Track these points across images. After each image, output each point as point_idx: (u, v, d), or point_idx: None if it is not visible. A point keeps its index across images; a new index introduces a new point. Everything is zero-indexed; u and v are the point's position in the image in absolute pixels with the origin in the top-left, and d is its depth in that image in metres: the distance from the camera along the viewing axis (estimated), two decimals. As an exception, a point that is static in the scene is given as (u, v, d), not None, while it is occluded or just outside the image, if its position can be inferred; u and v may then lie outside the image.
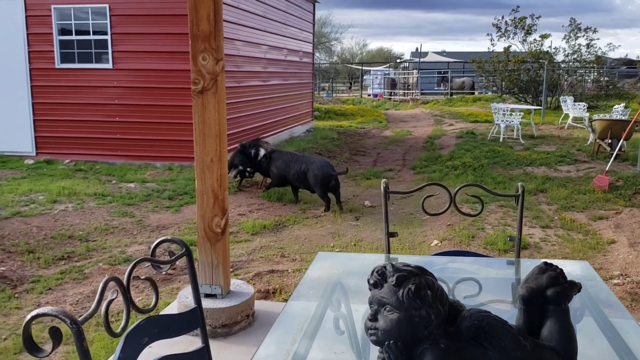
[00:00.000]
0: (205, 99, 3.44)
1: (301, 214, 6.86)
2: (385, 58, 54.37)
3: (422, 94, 34.98)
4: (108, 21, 8.70)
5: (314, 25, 16.14)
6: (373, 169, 10.12)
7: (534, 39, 21.35)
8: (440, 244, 5.63)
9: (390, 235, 2.33)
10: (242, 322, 3.61)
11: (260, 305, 3.95)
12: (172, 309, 3.80)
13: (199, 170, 3.53)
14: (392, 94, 34.50)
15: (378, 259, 2.48)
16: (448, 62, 40.55)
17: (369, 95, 35.75)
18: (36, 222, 5.95)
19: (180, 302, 3.56)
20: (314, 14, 15.96)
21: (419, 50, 41.42)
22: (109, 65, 8.84)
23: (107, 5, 8.65)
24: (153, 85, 8.82)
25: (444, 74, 38.44)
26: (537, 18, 21.17)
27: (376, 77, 39.24)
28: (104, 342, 3.60)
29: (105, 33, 8.79)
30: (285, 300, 4.29)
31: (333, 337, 1.71)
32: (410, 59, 45.80)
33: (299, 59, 14.51)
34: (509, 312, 1.86)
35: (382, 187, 2.27)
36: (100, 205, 6.66)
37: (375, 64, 46.21)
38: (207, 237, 3.60)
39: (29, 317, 1.21)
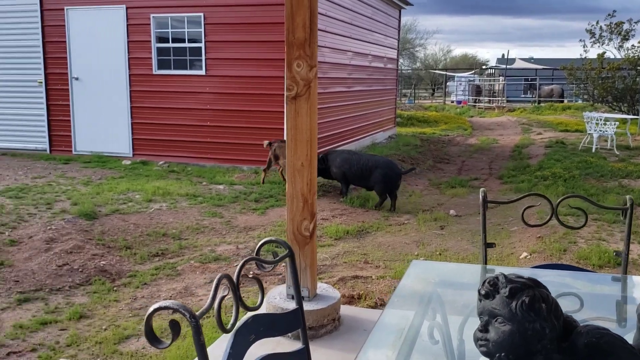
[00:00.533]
0: (298, 104, 3.51)
1: (384, 221, 6.85)
2: (470, 64, 53.19)
3: (508, 101, 33.92)
4: (202, 29, 9.07)
5: (399, 31, 16.07)
6: (458, 177, 9.93)
7: (632, 45, 20.19)
8: (529, 257, 5.45)
9: (488, 245, 2.28)
10: (328, 326, 3.64)
11: (345, 310, 3.97)
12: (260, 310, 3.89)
13: (289, 174, 3.61)
14: (477, 101, 33.69)
15: (474, 270, 2.44)
16: (536, 69, 39.15)
17: (452, 102, 35.10)
18: (133, 219, 6.28)
19: (269, 302, 3.64)
20: (399, 20, 15.89)
21: (506, 57, 40.23)
22: (202, 72, 9.20)
23: (202, 14, 9.02)
24: (242, 92, 9.10)
25: (531, 81, 37.14)
26: (635, 23, 20.01)
27: (460, 84, 38.49)
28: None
29: (199, 41, 9.15)
30: (370, 307, 4.30)
31: (430, 348, 1.70)
32: (496, 66, 44.59)
33: (383, 65, 14.49)
34: (614, 331, 1.77)
35: (480, 196, 2.23)
36: (192, 205, 6.93)
37: (459, 70, 45.33)
38: (295, 240, 3.66)
39: (151, 309, 1.29)
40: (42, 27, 9.89)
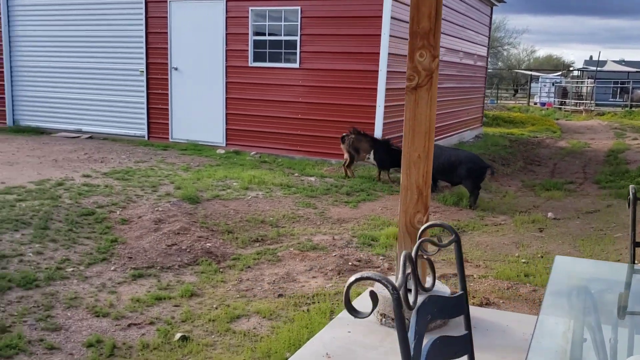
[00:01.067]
0: (419, 95, 3.49)
1: (479, 221, 6.70)
2: (554, 66, 51.12)
3: (596, 105, 32.37)
4: (299, 22, 9.19)
5: (489, 28, 15.67)
6: (552, 180, 9.58)
7: None
8: (641, 265, 5.17)
9: (637, 245, 2.19)
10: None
11: (452, 305, 3.92)
12: (363, 300, 3.90)
13: (405, 166, 3.60)
14: (563, 103, 32.38)
15: (620, 268, 2.34)
16: (628, 72, 37.12)
17: (536, 103, 33.90)
18: (233, 205, 6.47)
19: (379, 293, 3.64)
20: (490, 17, 15.50)
21: (596, 59, 38.35)
22: (296, 65, 9.33)
23: (299, 8, 9.14)
24: (335, 85, 9.15)
25: (622, 84, 35.27)
26: None
27: (545, 85, 37.16)
28: (303, 321, 3.81)
29: (294, 34, 9.29)
30: (476, 305, 4.22)
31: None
32: (584, 67, 42.59)
33: (473, 63, 14.18)
34: None
35: (630, 192, 2.14)
36: (286, 195, 7.05)
37: (544, 71, 43.68)
38: (407, 232, 3.65)
39: (352, 279, 1.32)
40: (146, 18, 10.34)
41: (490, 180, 9.15)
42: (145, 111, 10.65)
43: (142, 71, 10.54)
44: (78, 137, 10.93)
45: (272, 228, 5.96)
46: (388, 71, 8.84)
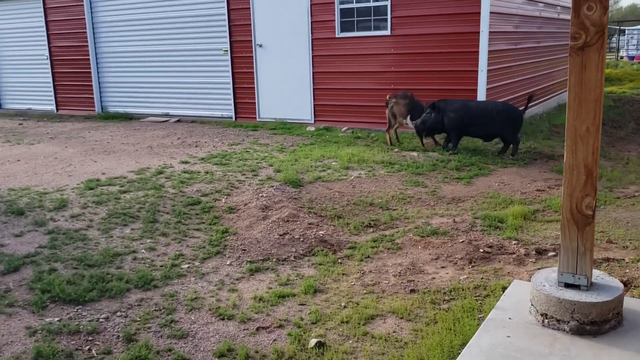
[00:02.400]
0: (586, 56, 2.92)
1: (609, 193, 6.00)
2: (638, 16, 47.35)
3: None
4: (389, -14, 8.59)
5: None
6: (676, 142, 8.60)
7: None
8: None
9: None
10: (612, 321, 3.08)
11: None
12: (513, 296, 3.41)
13: (570, 140, 3.05)
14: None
15: None
16: None
17: (622, 57, 31.49)
18: (336, 187, 6.09)
19: (538, 290, 3.14)
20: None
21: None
22: (387, 32, 8.76)
23: (388, -30, 8.54)
24: (431, 51, 8.54)
25: None
26: None
27: (632, 37, 34.53)
28: (447, 322, 3.38)
29: (384, -1, 8.71)
30: (637, 297, 3.65)
31: None
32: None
33: (569, 17, 13.01)
34: None
35: None
36: (390, 174, 6.60)
37: (628, 22, 40.50)
38: (573, 219, 3.11)
39: None
40: (227, -6, 10.04)
41: (607, 145, 8.32)
42: (231, 91, 10.42)
43: (226, 50, 10.28)
44: (166, 121, 10.88)
45: (383, 211, 5.54)
46: (490, 32, 8.12)
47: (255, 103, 10.22)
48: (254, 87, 10.15)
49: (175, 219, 5.11)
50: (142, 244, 4.60)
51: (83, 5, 11.55)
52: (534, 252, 4.46)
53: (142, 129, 9.88)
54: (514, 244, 4.64)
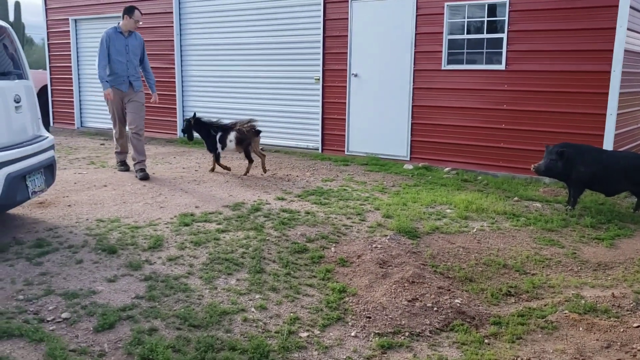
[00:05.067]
0: None
1: None
2: None
3: None
4: (506, 17, 7.85)
5: None
6: None
7: None
8: None
9: None
10: None
11: None
12: None
13: None
14: None
15: None
16: None
17: None
18: (459, 241, 5.31)
19: None
20: None
21: None
22: (501, 67, 7.99)
23: (506, 0, 7.79)
24: (550, 89, 7.70)
25: None
26: None
27: None
28: None
29: (499, 31, 7.96)
30: None
31: None
32: None
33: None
34: None
35: None
36: (516, 228, 5.77)
37: None
38: None
39: None
40: (324, 20, 9.53)
41: None
42: (320, 122, 9.85)
43: (318, 79, 9.75)
44: (249, 148, 10.38)
45: (520, 275, 4.72)
46: (623, 72, 7.22)
47: (344, 135, 9.60)
48: (344, 119, 9.55)
49: (283, 270, 4.46)
50: (251, 300, 3.95)
51: (173, 27, 11.33)
52: None
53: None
54: None
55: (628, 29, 7.16)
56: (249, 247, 4.81)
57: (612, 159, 6.24)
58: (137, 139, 7.48)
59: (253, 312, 3.79)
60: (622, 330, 3.76)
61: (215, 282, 4.17)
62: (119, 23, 7.50)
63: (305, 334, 3.57)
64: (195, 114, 8.35)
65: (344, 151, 9.65)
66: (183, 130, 8.32)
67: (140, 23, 7.57)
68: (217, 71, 11.05)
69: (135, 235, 5.02)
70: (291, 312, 3.83)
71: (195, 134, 8.03)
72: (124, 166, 7.89)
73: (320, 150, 9.94)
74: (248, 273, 4.34)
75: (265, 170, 7.87)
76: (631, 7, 7.12)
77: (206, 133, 7.90)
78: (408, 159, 9.00)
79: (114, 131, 7.83)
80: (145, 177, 7.29)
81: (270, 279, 4.28)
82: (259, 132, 7.79)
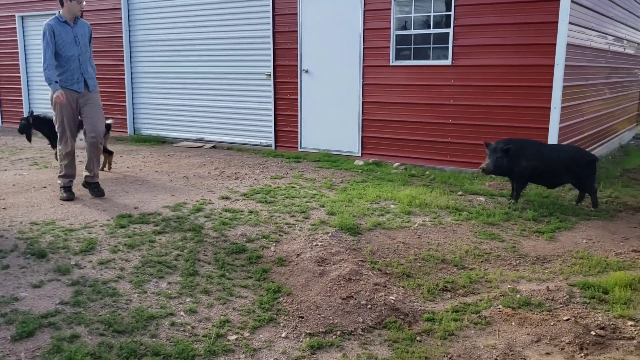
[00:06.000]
0: None
1: None
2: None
3: None
4: (452, 12, 7.88)
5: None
6: None
7: None
8: None
9: None
10: None
11: None
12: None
13: None
14: None
15: None
16: None
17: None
18: (399, 236, 5.30)
19: None
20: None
21: None
22: (448, 62, 8.02)
23: (453, -5, 7.84)
24: (496, 84, 7.77)
25: None
26: None
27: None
28: None
29: (446, 26, 7.99)
30: None
31: None
32: None
33: (634, 52, 12.19)
34: None
35: None
36: (458, 222, 5.79)
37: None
38: None
39: None
40: (273, 16, 9.43)
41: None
42: (272, 118, 9.76)
43: (269, 75, 9.65)
44: (201, 146, 10.25)
45: (458, 270, 4.73)
46: (566, 65, 7.33)
47: (297, 132, 9.53)
48: (297, 115, 9.48)
49: (218, 272, 4.37)
50: (181, 303, 3.85)
51: (121, 23, 11.07)
52: (660, 339, 3.60)
53: (176, 155, 9.24)
54: (631, 326, 3.79)
55: (570, 23, 7.26)
56: (185, 249, 4.71)
57: (552, 152, 6.33)
58: (97, 149, 6.27)
59: (182, 315, 3.70)
60: (552, 323, 3.80)
61: (145, 285, 4.06)
62: (59, 12, 6.10)
63: (234, 337, 3.50)
64: (32, 111, 7.72)
65: (297, 148, 9.59)
66: (20, 130, 7.61)
67: (84, 4, 6.25)
68: (168, 67, 10.85)
69: (68, 239, 4.86)
70: (222, 315, 3.75)
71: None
72: (70, 193, 6.25)
73: (273, 147, 9.85)
74: (181, 276, 4.24)
75: (110, 168, 7.75)
76: (572, 1, 7.22)
77: (48, 130, 7.17)
78: (359, 154, 8.99)
79: (58, 148, 6.34)
80: (101, 194, 6.27)
81: (203, 281, 4.19)
82: (109, 126, 7.23)
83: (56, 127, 6.22)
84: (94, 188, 6.29)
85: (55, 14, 6.23)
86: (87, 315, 3.59)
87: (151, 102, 11.21)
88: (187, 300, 3.90)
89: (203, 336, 3.47)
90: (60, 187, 6.29)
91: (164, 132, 11.10)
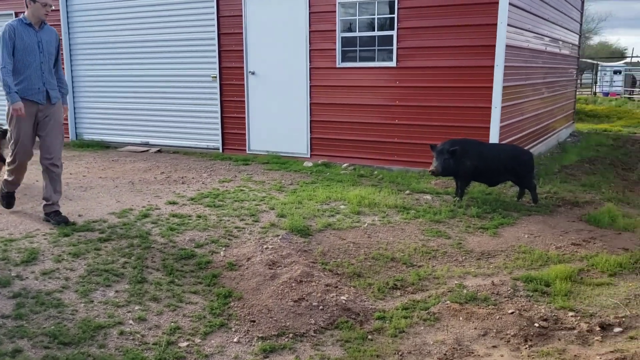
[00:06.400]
0: None
1: (650, 247, 5.38)
2: (610, 53, 48.32)
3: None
4: (395, 15, 8.01)
5: (581, 13, 14.12)
6: (696, 187, 8.11)
7: None
8: None
9: None
10: None
11: None
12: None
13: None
14: (632, 92, 30.57)
15: None
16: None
17: (595, 93, 31.89)
18: (350, 237, 5.36)
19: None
20: (582, 0, 13.96)
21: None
22: (392, 64, 8.15)
23: (395, -2, 7.97)
24: (440, 85, 7.94)
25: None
26: None
27: (604, 74, 35.26)
28: None
29: (390, 28, 8.11)
30: None
31: None
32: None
33: (569, 52, 12.72)
34: None
35: None
36: (406, 221, 5.90)
37: (603, 59, 41.20)
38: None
39: None
40: (218, 17, 9.34)
41: (624, 190, 7.79)
42: (219, 121, 9.66)
43: (215, 77, 9.55)
44: (146, 150, 10.04)
45: (407, 268, 4.82)
46: (506, 66, 7.58)
47: (245, 134, 9.47)
48: (244, 117, 9.42)
49: (167, 278, 4.30)
50: (129, 311, 3.77)
51: (60, 25, 10.72)
52: (597, 328, 3.78)
53: (120, 160, 9.03)
54: (571, 317, 3.96)
55: (509, 25, 7.50)
56: (132, 256, 4.61)
57: (492, 152, 6.56)
58: (57, 173, 5.49)
59: (131, 324, 3.62)
60: (498, 317, 3.92)
61: (91, 295, 3.96)
62: (24, 13, 5.36)
63: (185, 344, 3.46)
64: None
65: (245, 150, 9.53)
66: None
67: (52, 7, 5.41)
68: (110, 70, 10.58)
69: (7, 249, 4.68)
70: (172, 322, 3.69)
71: None
72: (10, 199, 5.80)
73: (221, 150, 9.75)
74: (128, 284, 4.15)
75: None
76: (511, 4, 7.46)
77: None
78: (308, 156, 9.02)
79: (6, 162, 5.58)
80: (65, 221, 5.39)
81: (152, 288, 4.12)
82: (5, 132, 6.14)
83: (11, 142, 5.40)
84: (55, 215, 5.44)
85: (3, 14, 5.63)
86: (31, 328, 3.47)
87: (93, 106, 10.90)
88: (136, 308, 3.82)
89: (153, 344, 3.42)
90: (3, 194, 5.74)
91: (107, 137, 10.82)
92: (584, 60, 42.93)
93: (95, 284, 4.10)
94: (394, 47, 8.12)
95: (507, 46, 7.58)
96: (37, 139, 5.48)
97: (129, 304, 3.87)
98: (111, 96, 10.67)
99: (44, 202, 5.48)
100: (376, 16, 8.22)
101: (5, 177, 5.70)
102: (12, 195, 5.82)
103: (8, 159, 5.53)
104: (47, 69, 5.38)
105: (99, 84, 10.76)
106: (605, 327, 3.80)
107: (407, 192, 6.99)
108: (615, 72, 33.97)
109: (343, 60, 8.54)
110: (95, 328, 3.51)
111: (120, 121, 10.67)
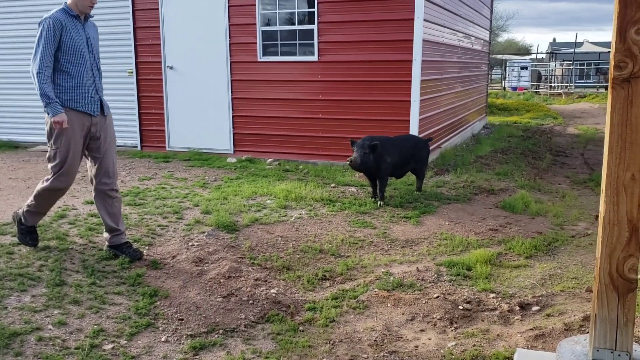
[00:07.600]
0: (634, 89, 2.44)
1: (561, 231, 5.71)
2: (517, 49, 51.00)
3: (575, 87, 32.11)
4: (316, 9, 8.04)
5: (491, 10, 14.78)
6: (596, 173, 8.68)
7: None
8: None
9: None
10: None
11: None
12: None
13: (610, 190, 2.55)
14: (538, 87, 32.35)
15: None
16: (599, 53, 37.08)
17: (504, 88, 33.55)
18: (278, 231, 5.33)
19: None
20: (492, -1, 14.60)
21: (560, 41, 38.36)
22: (314, 58, 8.19)
23: (315, -8, 8.00)
24: (361, 79, 8.06)
25: (596, 65, 35.23)
26: None
27: (512, 70, 37.19)
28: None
29: (311, 22, 8.14)
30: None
31: None
32: (558, 50, 42.51)
33: (480, 48, 13.27)
34: None
35: None
36: (333, 213, 5.94)
37: (512, 55, 43.41)
38: (613, 284, 2.61)
39: None
40: (133, 11, 9.02)
41: (535, 177, 8.22)
42: (136, 117, 9.35)
43: (131, 72, 9.23)
44: (59, 150, 9.54)
45: (336, 259, 4.86)
46: (423, 60, 7.79)
47: (164, 131, 9.22)
48: (163, 113, 9.16)
49: (88, 280, 4.10)
50: (48, 316, 3.57)
51: (-42, 16, 10.00)
52: (517, 308, 3.96)
53: (31, 160, 8.54)
54: (493, 298, 4.12)
55: (425, 20, 7.72)
56: (49, 259, 4.37)
57: (402, 143, 6.57)
58: (118, 199, 4.59)
59: (50, 329, 3.43)
60: (424, 302, 4.02)
61: (5, 301, 3.71)
62: (66, 2, 4.45)
63: (110, 346, 3.31)
64: None
65: (165, 147, 9.27)
66: None
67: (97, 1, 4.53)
68: (16, 66, 9.97)
69: None
70: (95, 325, 3.53)
71: None
72: (34, 235, 4.64)
73: (139, 148, 9.44)
74: (46, 287, 3.93)
75: None
76: (426, 0, 7.68)
77: None
78: (232, 152, 8.90)
79: (47, 183, 4.42)
80: (141, 256, 4.54)
81: (72, 291, 3.92)
82: None
83: (52, 164, 4.34)
84: (128, 248, 4.55)
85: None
86: (-64, 340, 3.21)
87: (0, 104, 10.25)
88: (55, 312, 3.62)
89: (75, 348, 3.25)
90: (23, 230, 4.59)
91: (15, 137, 10.20)
92: (493, 56, 45.06)
93: (9, 290, 3.85)
94: (315, 42, 8.16)
95: (424, 41, 7.80)
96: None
97: (47, 308, 3.66)
98: (18, 93, 10.06)
99: (110, 234, 4.52)
100: (296, 10, 8.22)
101: (30, 208, 4.56)
102: (34, 230, 4.67)
103: (44, 184, 4.45)
104: (97, 72, 4.51)
105: (3, 81, 10.11)
106: (524, 307, 3.99)
107: (333, 185, 7.05)
108: (522, 68, 35.81)
109: (264, 54, 8.48)
110: (10, 335, 3.29)
111: (28, 120, 10.07)
